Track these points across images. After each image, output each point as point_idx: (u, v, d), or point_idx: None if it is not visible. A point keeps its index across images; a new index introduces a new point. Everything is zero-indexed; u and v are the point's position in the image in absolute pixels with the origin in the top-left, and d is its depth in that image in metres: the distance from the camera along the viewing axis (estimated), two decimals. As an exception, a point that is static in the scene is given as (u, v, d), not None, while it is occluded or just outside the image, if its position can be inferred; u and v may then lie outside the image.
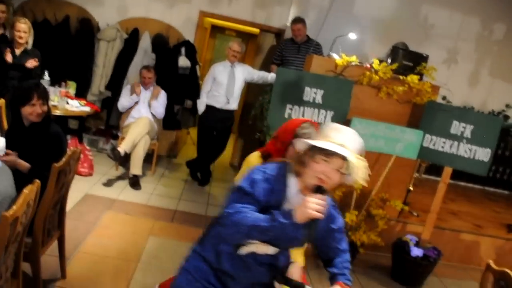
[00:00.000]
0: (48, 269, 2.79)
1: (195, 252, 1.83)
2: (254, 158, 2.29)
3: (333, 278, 1.80)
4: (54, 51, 5.32)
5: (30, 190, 1.84)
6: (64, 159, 2.33)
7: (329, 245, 1.84)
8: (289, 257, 1.88)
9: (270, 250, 1.70)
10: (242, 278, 1.75)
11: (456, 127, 3.68)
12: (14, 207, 1.67)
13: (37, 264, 2.35)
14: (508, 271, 2.12)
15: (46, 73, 4.80)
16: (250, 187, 1.62)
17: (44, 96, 2.60)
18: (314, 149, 1.57)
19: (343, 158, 1.55)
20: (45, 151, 2.57)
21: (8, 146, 2.56)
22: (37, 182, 1.96)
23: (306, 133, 2.11)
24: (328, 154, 1.54)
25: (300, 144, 1.64)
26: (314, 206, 1.49)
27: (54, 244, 2.71)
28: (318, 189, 1.55)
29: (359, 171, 1.58)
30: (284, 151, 2.14)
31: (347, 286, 1.76)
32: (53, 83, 4.97)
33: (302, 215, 1.50)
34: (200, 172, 5.51)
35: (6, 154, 2.46)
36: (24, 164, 2.50)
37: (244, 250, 1.69)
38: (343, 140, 1.57)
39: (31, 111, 2.54)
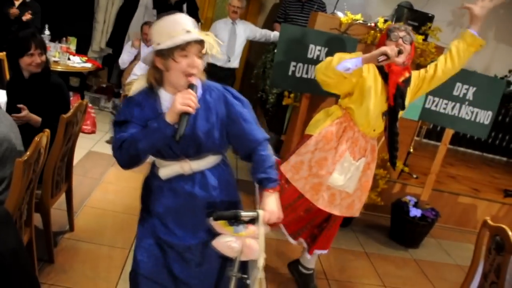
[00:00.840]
0: (56, 222, 2.84)
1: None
2: None
3: (260, 185, 1.74)
4: (52, 5, 5.21)
5: (40, 138, 1.86)
6: (71, 111, 2.34)
7: (241, 139, 1.74)
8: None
9: (189, 166, 1.70)
10: (182, 214, 1.75)
11: (459, 89, 3.66)
12: (28, 153, 1.70)
13: (47, 215, 2.40)
14: (505, 227, 2.17)
15: (46, 28, 4.72)
16: (122, 116, 1.64)
17: (42, 46, 2.57)
18: (167, 52, 1.53)
19: (197, 42, 1.54)
20: (47, 102, 2.57)
21: (9, 99, 2.56)
22: (47, 131, 1.97)
23: (395, 27, 2.39)
24: (183, 48, 1.52)
25: (150, 56, 1.60)
26: (181, 100, 1.50)
27: (62, 199, 2.76)
28: (189, 86, 1.55)
29: (213, 43, 1.58)
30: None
31: (275, 189, 1.73)
32: (54, 38, 4.90)
33: (172, 113, 1.52)
34: None
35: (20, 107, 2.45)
36: (36, 118, 2.51)
37: (164, 173, 1.72)
38: (183, 26, 1.54)
39: (30, 61, 2.52)
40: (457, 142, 7.05)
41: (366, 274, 3.31)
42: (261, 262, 1.67)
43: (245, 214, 1.64)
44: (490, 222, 2.31)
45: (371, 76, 2.44)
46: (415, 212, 3.81)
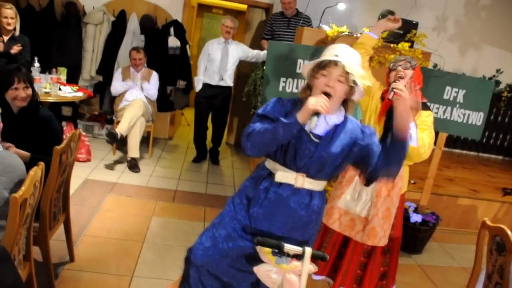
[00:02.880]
0: (56, 253, 2.82)
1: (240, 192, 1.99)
2: None
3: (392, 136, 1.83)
4: (40, 37, 5.24)
5: (35, 172, 1.86)
6: (65, 141, 2.34)
7: (363, 160, 1.85)
8: (322, 197, 1.93)
9: (303, 181, 1.82)
10: (276, 216, 1.86)
11: (449, 92, 3.69)
12: (23, 188, 1.69)
13: (46, 247, 2.38)
14: (504, 227, 2.17)
15: (36, 60, 4.75)
16: (265, 111, 1.83)
17: (26, 79, 2.54)
18: (314, 68, 1.76)
19: (341, 67, 1.70)
20: (38, 136, 2.54)
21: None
22: (41, 164, 1.97)
23: (396, 59, 2.53)
24: (324, 66, 1.72)
25: (304, 69, 1.83)
26: (313, 102, 1.65)
27: (60, 230, 2.74)
28: (324, 93, 1.72)
29: (360, 77, 1.72)
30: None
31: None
32: (44, 70, 4.92)
33: (304, 112, 1.67)
34: (197, 150, 5.55)
35: (6, 147, 2.44)
36: (24, 154, 2.46)
37: (279, 176, 1.83)
38: (336, 52, 1.73)
39: (15, 95, 2.50)
40: (452, 144, 7.09)
41: (371, 284, 3.29)
42: None
43: (289, 247, 1.61)
44: (489, 222, 2.32)
45: (374, 102, 2.64)
46: (415, 218, 3.81)
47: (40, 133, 2.55)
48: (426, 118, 2.56)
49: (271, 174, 1.86)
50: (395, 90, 2.28)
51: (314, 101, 1.64)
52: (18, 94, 2.50)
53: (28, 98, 2.55)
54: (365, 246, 2.68)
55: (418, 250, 3.95)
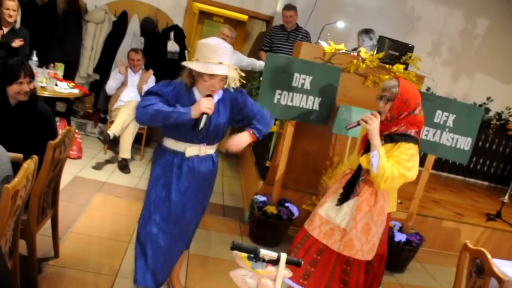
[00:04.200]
0: (41, 248, 2.81)
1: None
2: None
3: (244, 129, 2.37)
4: (40, 31, 5.26)
5: (29, 165, 1.87)
6: (59, 137, 2.35)
7: (244, 119, 2.38)
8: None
9: (205, 149, 2.31)
10: (194, 184, 2.33)
11: (440, 116, 3.75)
12: (15, 179, 1.71)
13: (32, 241, 2.38)
14: (484, 250, 2.23)
15: (34, 54, 4.76)
16: (157, 89, 2.19)
17: (31, 74, 2.57)
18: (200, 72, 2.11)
19: (224, 73, 2.11)
20: (34, 131, 2.55)
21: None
22: (35, 157, 1.99)
23: (384, 87, 2.56)
24: (210, 74, 2.09)
25: (191, 66, 2.12)
26: (205, 104, 2.09)
27: (47, 225, 2.73)
28: (208, 96, 2.16)
29: (235, 77, 2.20)
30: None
31: (254, 136, 2.32)
32: (41, 64, 4.93)
33: (196, 110, 2.10)
34: None
35: None
36: (17, 156, 2.43)
37: (188, 152, 2.27)
38: (218, 58, 2.09)
39: (19, 89, 2.50)
40: (439, 167, 7.18)
41: (352, 300, 3.31)
42: None
43: (265, 252, 1.62)
44: (470, 245, 2.37)
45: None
46: (400, 237, 3.85)
47: (36, 127, 2.56)
48: (400, 154, 2.46)
49: (175, 152, 2.28)
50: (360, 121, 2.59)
51: (205, 105, 2.08)
52: (22, 89, 2.50)
53: (30, 93, 2.56)
54: (343, 256, 2.65)
55: (401, 269, 3.99)
